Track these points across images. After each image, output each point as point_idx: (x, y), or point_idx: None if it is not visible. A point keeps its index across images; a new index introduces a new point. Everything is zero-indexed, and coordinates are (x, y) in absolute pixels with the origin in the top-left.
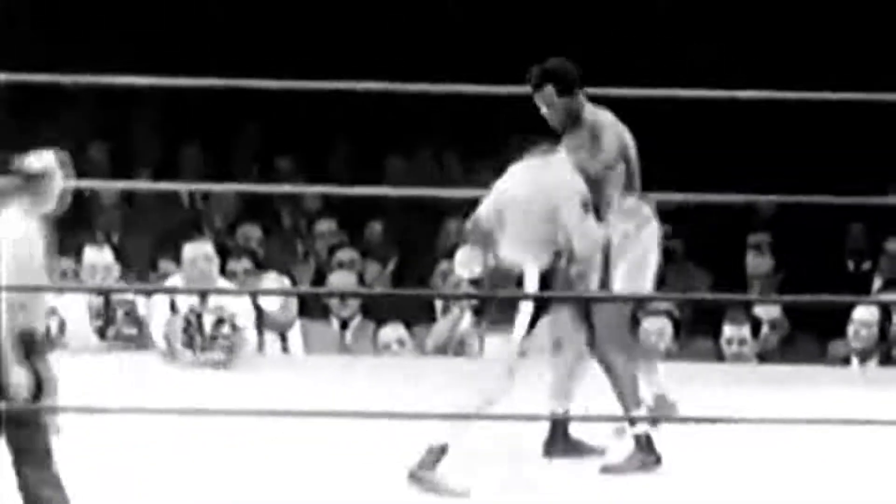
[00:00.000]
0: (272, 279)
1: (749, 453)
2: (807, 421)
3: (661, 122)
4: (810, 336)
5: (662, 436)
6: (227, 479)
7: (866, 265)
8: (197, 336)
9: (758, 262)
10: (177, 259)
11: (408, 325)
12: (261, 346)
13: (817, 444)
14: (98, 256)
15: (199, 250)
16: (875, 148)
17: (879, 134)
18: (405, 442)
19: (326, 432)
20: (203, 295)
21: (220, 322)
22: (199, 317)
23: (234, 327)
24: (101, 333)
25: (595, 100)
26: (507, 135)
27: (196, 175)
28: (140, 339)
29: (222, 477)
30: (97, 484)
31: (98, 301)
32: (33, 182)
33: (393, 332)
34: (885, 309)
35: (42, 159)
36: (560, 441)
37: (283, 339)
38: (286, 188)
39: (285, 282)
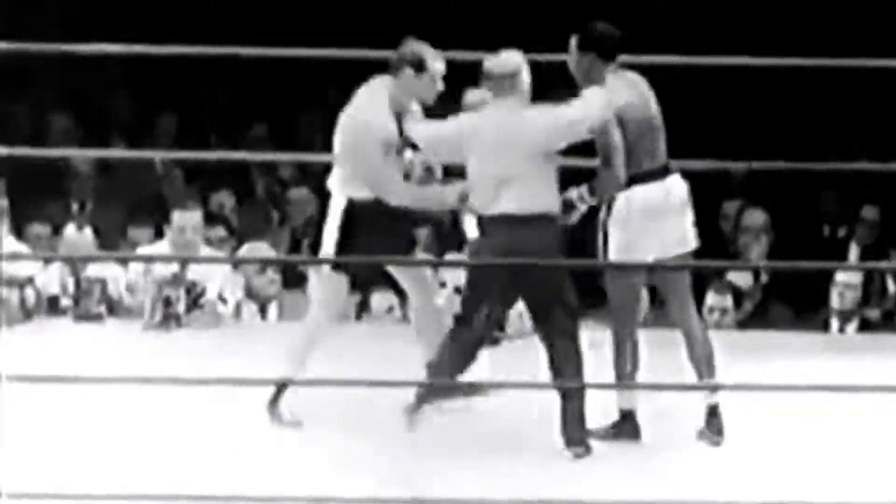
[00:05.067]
0: (262, 249)
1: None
2: (783, 388)
3: None
4: (786, 303)
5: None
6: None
7: (842, 231)
8: (176, 307)
9: None
10: (151, 227)
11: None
12: (239, 313)
13: (799, 410)
14: (78, 238)
15: (188, 219)
16: (838, 112)
17: (842, 98)
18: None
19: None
20: (184, 263)
21: (197, 291)
22: (177, 287)
23: (200, 295)
24: (73, 312)
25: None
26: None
27: (170, 143)
28: (109, 316)
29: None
30: (77, 452)
31: (70, 280)
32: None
33: (384, 299)
34: (864, 274)
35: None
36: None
37: (262, 307)
38: (261, 156)
39: (272, 252)
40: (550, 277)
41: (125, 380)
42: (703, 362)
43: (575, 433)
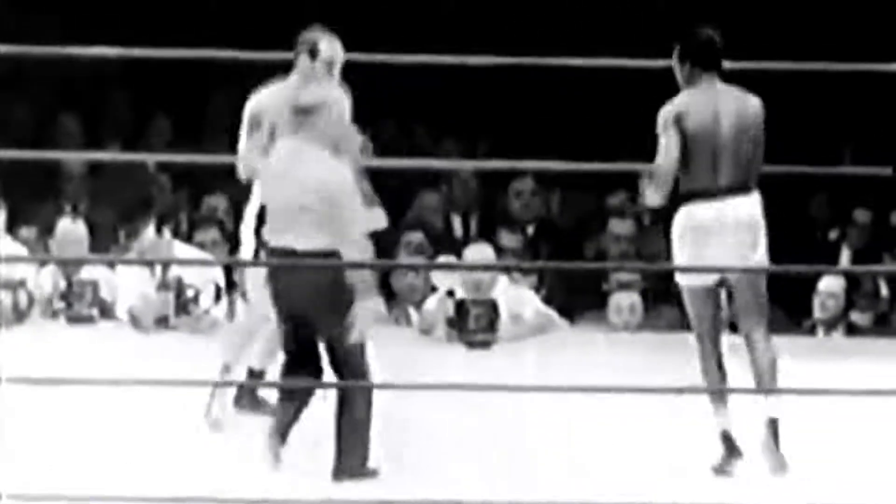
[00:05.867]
0: None
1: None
2: (779, 391)
3: (628, 91)
4: (777, 306)
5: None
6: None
7: (832, 234)
8: (168, 309)
9: (619, 225)
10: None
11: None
12: (232, 314)
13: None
14: (72, 229)
15: (143, 240)
16: (826, 115)
17: (828, 101)
18: None
19: None
20: (165, 267)
21: (187, 295)
22: (167, 292)
23: (196, 299)
24: (65, 314)
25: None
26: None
27: (164, 145)
28: (101, 319)
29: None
30: (74, 454)
31: (62, 282)
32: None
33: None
34: (851, 279)
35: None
36: (247, 396)
37: None
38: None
39: None
40: (317, 316)
41: (123, 382)
42: (765, 372)
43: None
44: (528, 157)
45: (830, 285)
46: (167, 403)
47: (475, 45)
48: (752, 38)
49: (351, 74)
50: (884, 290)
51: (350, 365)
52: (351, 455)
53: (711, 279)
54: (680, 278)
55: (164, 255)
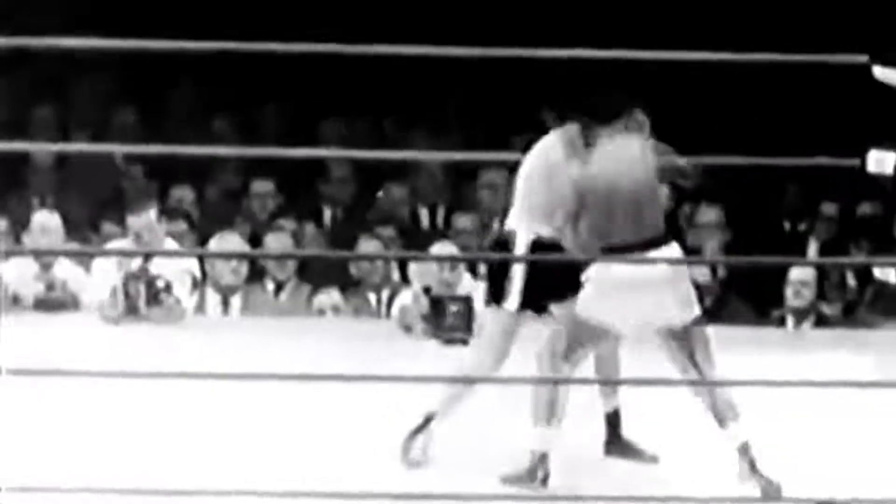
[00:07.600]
0: (234, 240)
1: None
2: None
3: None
4: (745, 298)
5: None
6: (171, 442)
7: (802, 226)
8: (139, 300)
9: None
10: (120, 223)
11: (342, 290)
12: (202, 307)
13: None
14: (47, 220)
15: (142, 222)
16: (816, 111)
17: (817, 97)
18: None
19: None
20: (146, 258)
21: (158, 285)
22: (138, 282)
23: (168, 289)
24: (36, 305)
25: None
26: (447, 102)
27: (131, 138)
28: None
29: (166, 440)
30: (39, 448)
31: (33, 273)
32: None
33: (328, 297)
34: (819, 271)
35: None
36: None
37: (225, 301)
38: (223, 150)
39: (245, 245)
40: None
41: (126, 374)
42: (724, 411)
43: None
44: (500, 150)
45: (802, 274)
46: (151, 396)
47: (448, 37)
48: (722, 31)
49: (322, 68)
50: (851, 282)
51: None
52: None
53: (629, 328)
54: (586, 312)
55: (159, 242)
